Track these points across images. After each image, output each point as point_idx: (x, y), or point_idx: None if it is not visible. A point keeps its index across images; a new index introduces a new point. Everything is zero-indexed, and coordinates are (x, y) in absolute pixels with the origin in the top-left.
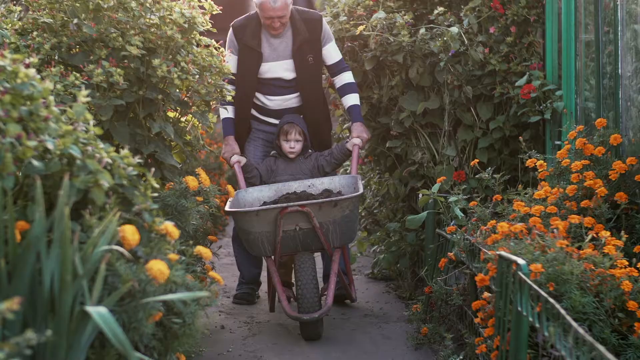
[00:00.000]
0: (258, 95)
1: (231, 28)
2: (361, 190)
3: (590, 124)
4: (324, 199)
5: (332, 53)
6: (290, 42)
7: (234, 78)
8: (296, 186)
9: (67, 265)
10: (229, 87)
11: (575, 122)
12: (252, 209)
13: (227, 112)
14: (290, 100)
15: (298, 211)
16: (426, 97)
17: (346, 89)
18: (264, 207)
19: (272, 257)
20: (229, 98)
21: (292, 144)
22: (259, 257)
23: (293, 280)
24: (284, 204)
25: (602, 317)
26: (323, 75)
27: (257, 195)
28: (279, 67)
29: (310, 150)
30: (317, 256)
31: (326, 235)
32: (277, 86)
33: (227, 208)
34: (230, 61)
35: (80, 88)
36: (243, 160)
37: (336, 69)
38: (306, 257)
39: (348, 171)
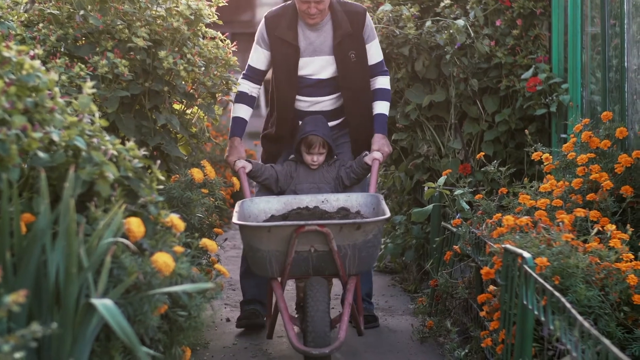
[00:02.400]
0: None
1: (263, 19)
2: (388, 214)
3: (596, 117)
4: (347, 220)
5: (373, 52)
6: (330, 35)
7: (252, 73)
8: (308, 200)
9: (73, 258)
10: (251, 83)
11: (581, 115)
12: (263, 224)
13: (239, 111)
14: (321, 103)
15: (316, 231)
16: (432, 90)
17: (377, 94)
18: (277, 223)
19: (279, 279)
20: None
21: (315, 158)
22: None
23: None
24: (301, 222)
25: (607, 310)
26: None
27: (263, 207)
28: (315, 64)
29: (335, 156)
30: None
31: (343, 260)
32: (308, 85)
33: (234, 220)
34: (256, 57)
35: (86, 79)
36: (249, 166)
37: (374, 72)
38: (319, 283)
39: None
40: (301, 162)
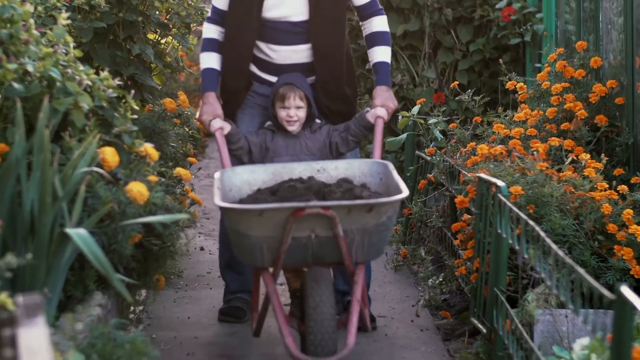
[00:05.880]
0: (259, 43)
1: None
2: (406, 191)
3: (570, 46)
4: (357, 202)
5: None
6: None
7: (217, 16)
8: (300, 169)
9: (47, 188)
10: (218, 27)
11: (556, 44)
12: (254, 207)
13: (209, 61)
14: (302, 53)
15: (318, 214)
16: (406, 19)
17: (375, 39)
18: (270, 205)
19: (270, 269)
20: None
21: (292, 112)
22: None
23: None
24: (300, 203)
25: (581, 239)
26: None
27: (247, 178)
28: (287, 3)
29: (318, 121)
30: None
31: (349, 247)
32: (283, 30)
33: (217, 202)
34: None
35: (61, 10)
36: (227, 127)
37: (367, 12)
38: (323, 276)
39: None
40: (278, 130)
